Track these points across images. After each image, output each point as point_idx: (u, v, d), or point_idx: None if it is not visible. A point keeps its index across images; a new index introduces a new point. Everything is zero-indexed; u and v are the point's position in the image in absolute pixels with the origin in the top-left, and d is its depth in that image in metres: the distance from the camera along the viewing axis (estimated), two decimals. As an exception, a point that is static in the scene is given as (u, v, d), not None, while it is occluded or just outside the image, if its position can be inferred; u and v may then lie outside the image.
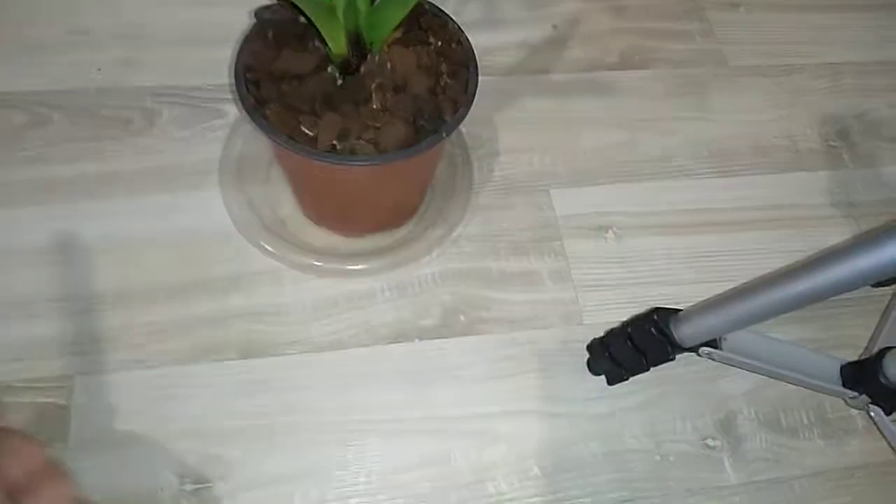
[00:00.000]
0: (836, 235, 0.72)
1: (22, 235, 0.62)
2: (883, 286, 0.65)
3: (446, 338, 0.62)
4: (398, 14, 0.53)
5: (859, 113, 0.81)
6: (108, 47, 0.74)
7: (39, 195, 0.65)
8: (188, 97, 0.72)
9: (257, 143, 0.68)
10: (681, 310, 0.54)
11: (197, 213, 0.65)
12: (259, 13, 0.56)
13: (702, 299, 0.65)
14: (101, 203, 0.65)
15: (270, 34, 0.56)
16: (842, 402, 0.62)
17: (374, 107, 0.54)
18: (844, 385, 0.54)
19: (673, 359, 0.54)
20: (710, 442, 0.61)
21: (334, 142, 0.52)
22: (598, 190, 0.72)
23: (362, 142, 0.52)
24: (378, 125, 0.53)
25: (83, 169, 0.67)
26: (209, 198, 0.66)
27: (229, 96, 0.72)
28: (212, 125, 0.71)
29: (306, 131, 0.52)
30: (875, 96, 0.82)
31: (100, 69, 0.73)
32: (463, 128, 0.71)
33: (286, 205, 0.66)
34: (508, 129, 0.74)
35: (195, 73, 0.74)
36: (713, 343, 0.53)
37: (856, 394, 0.53)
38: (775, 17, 0.88)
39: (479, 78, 0.56)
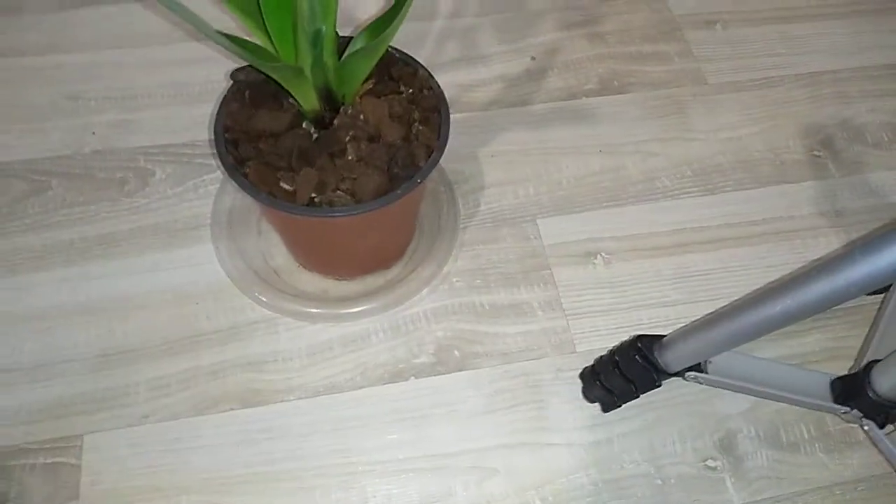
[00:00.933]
0: (825, 246, 0.72)
1: (25, 301, 0.65)
2: (877, 294, 0.66)
3: (441, 374, 0.63)
4: (366, 66, 0.55)
5: (841, 120, 0.82)
6: (101, 111, 0.77)
7: (40, 261, 0.67)
8: (179, 154, 0.75)
9: (247, 196, 0.70)
10: (664, 335, 0.55)
11: (192, 267, 0.67)
12: (234, 74, 0.58)
13: (692, 319, 0.66)
14: (100, 265, 0.67)
15: (247, 94, 0.58)
16: (839, 414, 0.62)
17: (350, 158, 0.55)
18: (836, 401, 0.54)
19: (660, 385, 0.54)
20: (710, 462, 0.61)
21: (313, 195, 0.53)
22: (585, 216, 0.73)
23: (340, 193, 0.54)
24: (354, 176, 0.54)
25: (82, 232, 0.69)
26: (203, 252, 0.68)
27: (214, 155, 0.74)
28: (203, 180, 0.73)
29: (285, 186, 0.54)
30: (855, 103, 0.83)
31: (94, 132, 0.76)
32: (446, 165, 0.73)
33: (277, 254, 0.68)
34: (491, 162, 0.76)
35: (184, 131, 0.76)
36: (698, 367, 0.53)
37: (847, 409, 0.53)
38: (751, 31, 0.89)
39: (459, 115, 0.58)
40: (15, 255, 0.67)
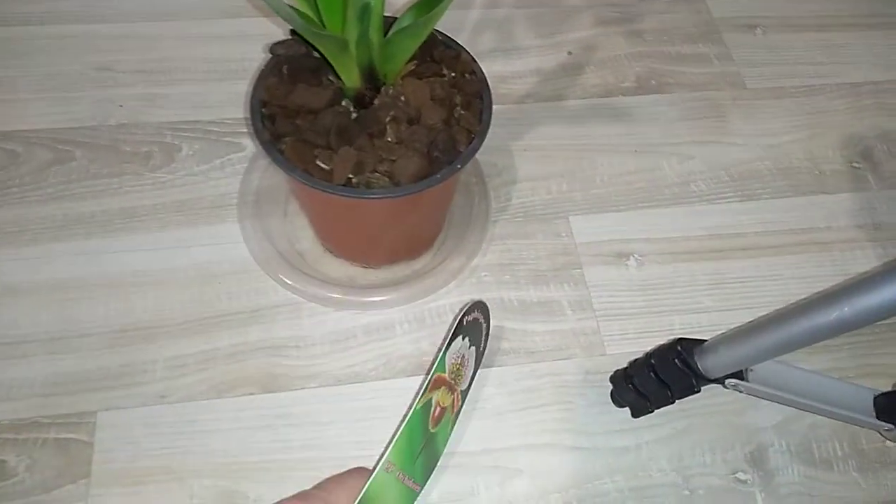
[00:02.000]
0: (861, 259, 0.70)
1: (45, 272, 0.63)
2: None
3: (466, 370, 0.61)
4: (411, 46, 0.53)
5: (882, 133, 0.80)
6: (130, 84, 0.76)
7: (62, 231, 0.65)
8: (207, 131, 0.73)
9: (275, 177, 0.68)
10: (705, 340, 0.53)
11: (216, 246, 0.65)
12: (273, 48, 0.56)
13: (725, 327, 0.64)
14: (121, 238, 0.66)
15: (285, 69, 0.56)
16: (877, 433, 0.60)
17: (389, 139, 0.53)
18: (878, 417, 0.52)
19: (698, 391, 0.53)
20: (740, 476, 0.59)
21: (350, 175, 0.52)
22: (618, 216, 0.71)
23: (378, 175, 0.52)
24: (393, 158, 0.52)
25: (104, 205, 0.67)
26: (228, 231, 0.66)
27: (247, 130, 0.73)
28: (230, 159, 0.71)
29: (322, 165, 0.52)
30: (898, 116, 0.81)
31: (121, 105, 0.74)
32: (479, 157, 0.71)
33: (304, 237, 0.66)
34: (525, 156, 0.74)
35: (214, 108, 0.75)
36: (739, 374, 0.51)
37: (891, 426, 0.51)
38: (793, 37, 0.87)
39: (495, 107, 0.56)
40: (35, 225, 0.65)
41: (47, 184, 0.68)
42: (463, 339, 0.52)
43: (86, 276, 0.63)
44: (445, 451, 0.53)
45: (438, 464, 0.51)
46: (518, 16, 0.86)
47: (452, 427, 0.54)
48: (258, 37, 0.79)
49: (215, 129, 0.73)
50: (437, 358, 0.49)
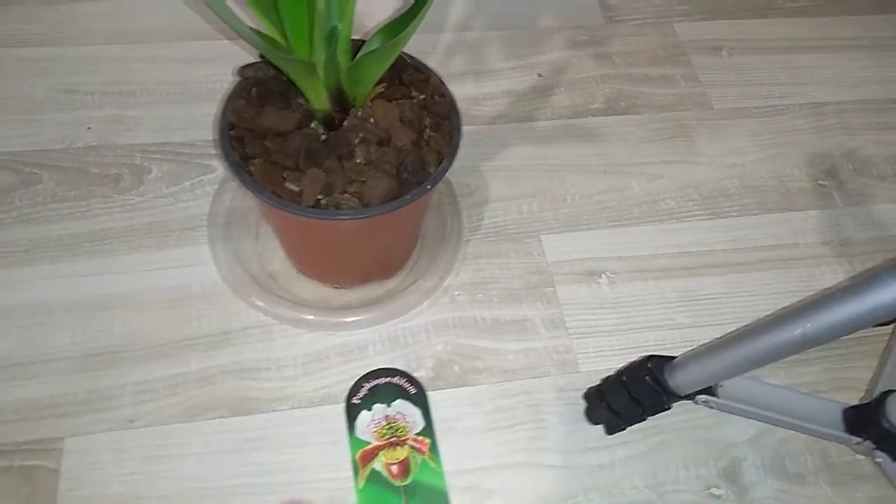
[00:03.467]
0: (829, 275, 0.72)
1: (9, 297, 0.62)
2: (884, 325, 0.65)
3: (440, 389, 0.61)
4: (379, 69, 0.53)
5: (847, 151, 0.81)
6: (98, 106, 0.75)
7: (27, 255, 0.64)
8: (177, 153, 0.73)
9: (246, 199, 0.68)
10: (675, 357, 0.53)
11: (185, 269, 0.65)
12: (242, 71, 0.56)
13: (698, 342, 0.65)
14: (89, 262, 0.65)
15: (254, 92, 0.56)
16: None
17: (358, 161, 0.54)
18: (847, 430, 0.52)
19: (669, 408, 0.53)
20: (714, 491, 0.59)
21: (319, 196, 0.52)
22: (590, 235, 0.72)
23: (347, 196, 0.52)
24: (362, 179, 0.53)
25: (71, 228, 0.66)
26: (198, 254, 0.65)
27: (217, 152, 0.72)
28: (201, 181, 0.71)
29: (291, 187, 0.52)
30: (861, 134, 0.83)
31: (90, 127, 0.73)
32: (451, 177, 0.72)
33: (275, 258, 0.66)
34: (497, 177, 0.74)
35: (184, 130, 0.74)
36: (709, 390, 0.52)
37: (860, 439, 0.52)
38: (757, 59, 0.89)
39: (466, 128, 0.57)
40: (0, 249, 0.64)
41: (13, 207, 0.67)
42: (369, 409, 0.58)
43: (52, 300, 0.62)
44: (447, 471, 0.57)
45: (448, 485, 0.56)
46: (489, 38, 0.87)
47: (437, 459, 0.57)
48: (227, 59, 0.79)
49: (185, 150, 0.73)
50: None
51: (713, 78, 0.86)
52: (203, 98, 0.77)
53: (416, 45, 0.60)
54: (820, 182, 0.79)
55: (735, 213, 0.75)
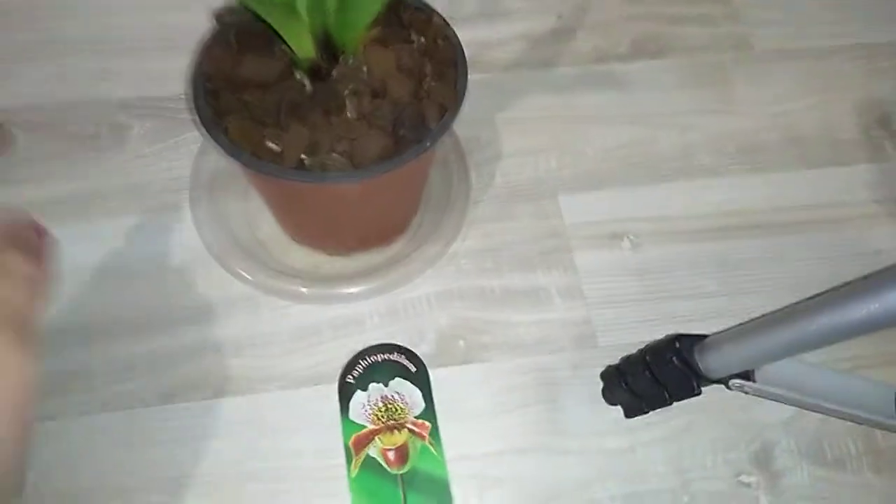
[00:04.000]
0: (881, 237, 0.64)
1: (-21, 267, 0.57)
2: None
3: (443, 367, 0.56)
4: (371, 7, 0.46)
5: (902, 98, 0.73)
6: (76, 57, 0.69)
7: (-2, 221, 0.60)
8: (161, 108, 0.67)
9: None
10: (706, 335, 0.47)
11: (166, 236, 0.60)
12: (220, 16, 0.50)
13: (730, 313, 0.59)
14: (63, 228, 0.58)
15: (233, 38, 0.50)
16: None
17: (349, 116, 0.47)
18: (903, 418, 0.46)
19: (699, 393, 0.47)
20: (744, 478, 0.54)
21: (303, 157, 0.46)
22: (612, 194, 0.65)
23: (335, 155, 0.46)
24: (353, 136, 0.46)
25: (46, 191, 0.61)
26: (179, 219, 0.60)
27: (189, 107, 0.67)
28: (185, 139, 0.65)
29: (271, 146, 0.46)
30: (919, 79, 0.74)
31: (66, 80, 0.68)
32: (459, 131, 0.65)
33: (265, 224, 0.60)
34: (510, 129, 0.68)
35: (170, 83, 0.68)
36: (745, 374, 0.46)
37: (916, 428, 0.46)
38: (806, -6, 0.80)
39: (477, 76, 0.50)
40: (-31, 214, 0.60)
41: (-16, 168, 0.62)
42: (365, 389, 0.53)
43: (25, 270, 0.57)
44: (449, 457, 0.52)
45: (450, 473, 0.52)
46: (504, -25, 0.79)
47: (438, 444, 0.52)
48: (217, 4, 0.72)
49: (170, 105, 0.67)
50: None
51: (755, 16, 0.78)
52: (190, 49, 0.70)
53: (422, -17, 0.53)
54: (872, 132, 0.71)
55: (776, 169, 0.67)
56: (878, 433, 0.56)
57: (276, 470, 0.51)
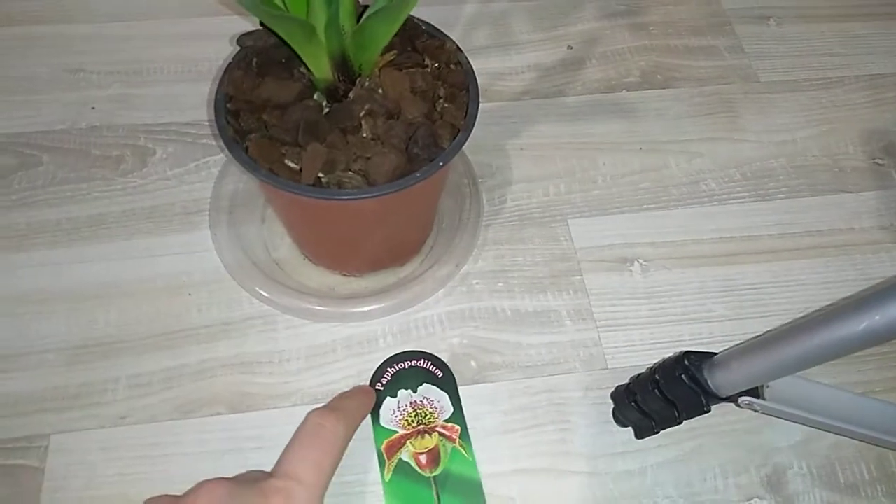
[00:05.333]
0: (887, 262, 0.65)
1: (4, 284, 0.59)
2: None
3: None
4: (387, 32, 0.48)
5: (907, 127, 0.74)
6: (103, 85, 0.72)
7: (25, 240, 0.61)
8: (182, 133, 0.69)
9: (252, 180, 0.64)
10: (716, 353, 0.47)
11: (186, 255, 0.61)
12: (241, 39, 0.52)
13: (739, 337, 0.60)
14: (87, 248, 0.61)
15: (254, 62, 0.52)
16: (908, 453, 0.54)
17: (364, 135, 0.49)
18: (912, 438, 0.46)
19: (708, 410, 0.47)
20: (756, 502, 0.53)
21: (320, 174, 0.47)
22: (621, 219, 0.66)
23: (350, 173, 0.47)
24: (368, 155, 0.48)
25: (71, 212, 0.63)
26: (199, 239, 0.62)
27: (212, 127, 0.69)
28: (206, 162, 0.67)
29: (290, 164, 0.48)
30: (924, 108, 0.76)
31: (94, 107, 0.70)
32: (472, 157, 0.67)
33: (281, 244, 0.61)
34: (521, 156, 0.69)
35: (191, 109, 0.71)
36: (755, 392, 0.46)
37: (926, 448, 0.46)
38: (809, 27, 0.82)
39: (489, 104, 0.52)
40: (-4, 233, 0.62)
41: (11, 190, 0.64)
42: (394, 396, 0.54)
43: (48, 287, 0.59)
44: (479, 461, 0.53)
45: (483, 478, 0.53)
46: (516, 9, 0.81)
47: (468, 446, 0.54)
48: (236, 35, 0.75)
49: (191, 130, 0.69)
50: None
51: (760, 49, 0.80)
52: (212, 76, 0.73)
53: (437, 16, 0.55)
54: (877, 160, 0.72)
55: (783, 195, 0.68)
56: (892, 457, 0.56)
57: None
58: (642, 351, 0.59)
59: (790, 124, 0.74)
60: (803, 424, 0.50)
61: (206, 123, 0.69)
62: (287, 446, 0.47)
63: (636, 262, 0.64)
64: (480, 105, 0.51)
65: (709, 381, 0.46)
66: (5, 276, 0.59)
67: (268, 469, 0.49)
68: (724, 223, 0.66)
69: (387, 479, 0.52)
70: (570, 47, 0.78)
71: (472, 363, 0.58)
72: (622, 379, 0.55)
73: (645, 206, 0.67)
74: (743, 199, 0.68)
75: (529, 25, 0.80)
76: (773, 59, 0.79)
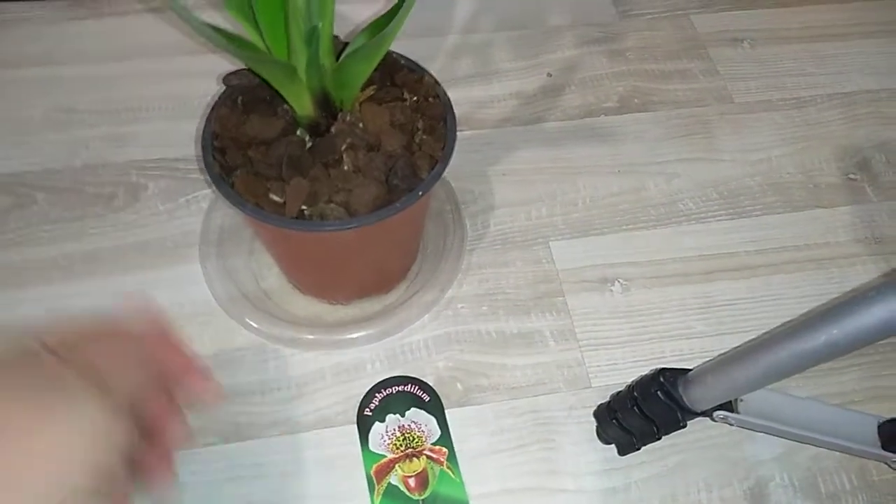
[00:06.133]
0: (863, 275, 0.66)
1: (0, 320, 0.60)
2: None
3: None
4: (365, 69, 0.50)
5: (880, 142, 0.76)
6: (95, 124, 0.74)
7: (19, 278, 0.63)
8: (173, 169, 0.71)
9: (238, 212, 0.66)
10: (690, 369, 0.49)
11: (178, 288, 0.62)
12: (227, 79, 0.54)
13: (719, 353, 0.60)
14: (81, 283, 0.63)
15: (240, 100, 0.54)
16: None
17: (346, 168, 0.51)
18: (884, 447, 0.47)
19: (684, 426, 0.49)
20: (739, 514, 0.55)
21: (303, 207, 0.49)
22: (602, 240, 0.68)
23: (333, 205, 0.49)
24: (349, 187, 0.50)
25: (65, 249, 0.65)
26: (190, 272, 0.63)
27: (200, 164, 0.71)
28: (196, 196, 0.69)
29: (274, 198, 0.50)
30: (895, 124, 0.77)
31: (87, 146, 0.72)
32: (454, 183, 0.69)
33: (269, 275, 0.63)
34: (503, 182, 0.71)
35: (181, 145, 0.72)
36: (729, 406, 0.47)
37: (898, 456, 0.47)
38: (781, 49, 0.84)
39: (471, 132, 0.54)
40: (-8, 272, 0.63)
41: (7, 229, 0.66)
42: (382, 421, 0.56)
43: (43, 323, 0.60)
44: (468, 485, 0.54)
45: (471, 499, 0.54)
46: (496, 39, 0.84)
47: (456, 468, 0.55)
48: (223, 73, 0.78)
49: (181, 166, 0.71)
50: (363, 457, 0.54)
51: (734, 71, 0.82)
52: (199, 113, 0.75)
53: (419, 49, 0.58)
54: (851, 176, 0.74)
55: (759, 213, 0.70)
56: (872, 468, 0.57)
57: (280, 511, 0.53)
58: (625, 369, 0.60)
59: (765, 143, 0.76)
60: (778, 436, 0.52)
61: (195, 158, 0.71)
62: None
63: (617, 282, 0.65)
64: (463, 133, 0.53)
65: (684, 397, 0.48)
66: (2, 312, 0.61)
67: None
68: (702, 241, 0.68)
69: (377, 503, 0.53)
70: (549, 74, 0.80)
71: (459, 386, 0.59)
72: (606, 397, 0.57)
73: (624, 226, 0.69)
74: (720, 218, 0.70)
75: (511, 54, 0.82)
76: (747, 81, 0.81)
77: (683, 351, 0.61)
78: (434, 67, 0.56)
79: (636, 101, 0.78)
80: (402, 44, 0.52)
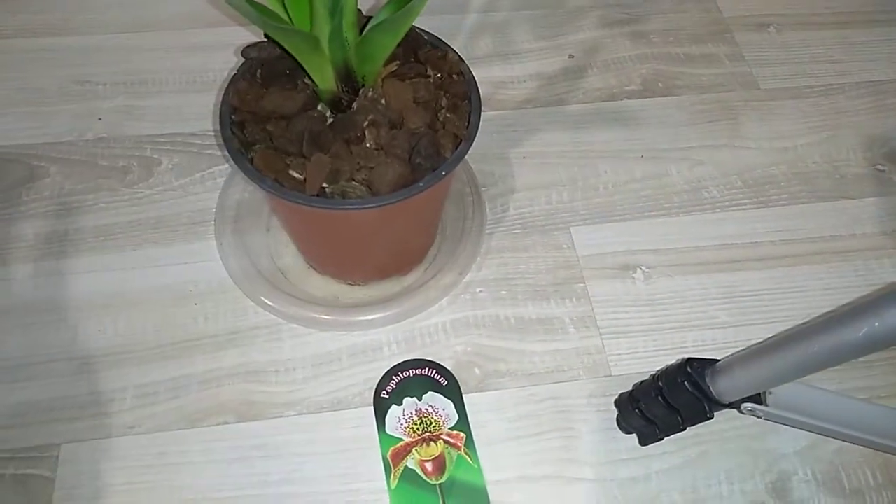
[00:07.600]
0: (889, 268, 0.65)
1: (13, 293, 0.59)
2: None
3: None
4: (389, 43, 0.49)
5: (909, 133, 0.74)
6: (109, 96, 0.72)
7: (32, 251, 0.62)
8: (188, 144, 0.70)
9: (257, 190, 0.65)
10: (718, 359, 0.48)
11: (192, 265, 0.61)
12: (246, 51, 0.53)
13: (741, 343, 0.60)
14: (94, 258, 0.62)
15: (259, 73, 0.53)
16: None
17: (368, 145, 0.49)
18: (915, 443, 0.46)
19: (711, 417, 0.47)
20: (760, 508, 0.54)
21: (324, 185, 0.48)
22: (624, 226, 0.66)
23: (354, 183, 0.48)
24: (372, 165, 0.48)
25: (78, 223, 0.64)
26: (205, 249, 0.62)
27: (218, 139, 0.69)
28: (211, 172, 0.68)
29: (294, 174, 0.48)
30: (925, 114, 0.76)
31: (100, 118, 0.71)
32: (474, 165, 0.67)
33: (286, 254, 0.62)
34: (524, 164, 0.70)
35: (196, 120, 0.71)
36: (757, 398, 0.46)
37: (929, 453, 0.46)
38: (808, 35, 0.82)
39: (492, 113, 0.52)
40: (5, 245, 0.62)
41: (20, 201, 0.65)
42: (399, 404, 0.55)
43: (56, 297, 0.59)
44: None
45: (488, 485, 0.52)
46: (517, 19, 0.82)
47: (474, 454, 0.54)
48: (241, 46, 0.76)
49: (196, 141, 0.70)
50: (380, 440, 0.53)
51: (760, 56, 0.80)
52: (216, 87, 0.74)
53: (440, 27, 0.56)
54: (879, 166, 0.72)
55: (784, 202, 0.69)
56: None
57: (295, 494, 0.52)
58: (645, 358, 0.59)
59: (791, 131, 0.74)
60: (806, 430, 0.51)
61: (212, 134, 0.70)
62: None
63: (639, 270, 0.64)
64: (483, 113, 0.51)
65: (711, 388, 0.47)
66: (14, 286, 0.60)
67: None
68: (725, 230, 0.67)
69: (393, 487, 0.52)
70: (571, 56, 0.79)
71: (477, 371, 0.58)
72: (626, 386, 0.56)
73: (647, 213, 0.67)
74: (745, 206, 0.68)
75: (531, 34, 0.81)
76: (773, 67, 0.79)
77: (706, 341, 0.60)
78: (454, 45, 0.54)
79: (660, 84, 0.77)
80: (422, 21, 0.51)
